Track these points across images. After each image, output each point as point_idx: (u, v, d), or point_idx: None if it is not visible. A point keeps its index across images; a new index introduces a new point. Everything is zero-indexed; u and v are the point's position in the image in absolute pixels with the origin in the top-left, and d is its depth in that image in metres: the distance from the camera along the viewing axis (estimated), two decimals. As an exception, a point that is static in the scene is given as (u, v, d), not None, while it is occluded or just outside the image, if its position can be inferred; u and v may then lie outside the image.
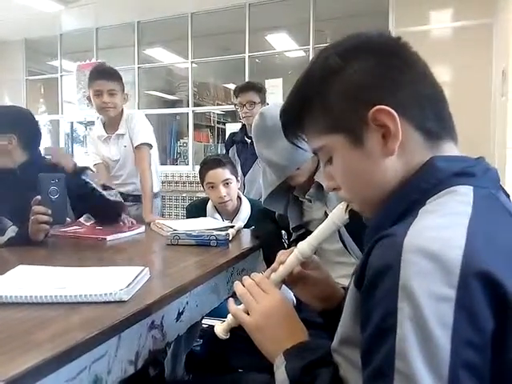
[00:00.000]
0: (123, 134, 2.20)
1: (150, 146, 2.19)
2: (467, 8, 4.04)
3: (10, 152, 1.52)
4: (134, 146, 2.16)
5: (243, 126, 2.59)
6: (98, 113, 2.20)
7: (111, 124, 2.22)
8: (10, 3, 4.81)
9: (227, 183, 1.80)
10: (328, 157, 0.61)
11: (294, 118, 0.63)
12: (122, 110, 2.23)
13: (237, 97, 2.50)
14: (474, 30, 3.99)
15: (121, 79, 2.18)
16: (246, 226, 1.70)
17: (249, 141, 2.48)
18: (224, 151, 2.71)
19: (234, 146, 2.58)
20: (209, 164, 1.85)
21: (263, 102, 2.48)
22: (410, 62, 0.57)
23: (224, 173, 1.80)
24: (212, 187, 1.81)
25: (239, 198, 1.89)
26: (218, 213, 1.87)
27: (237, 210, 1.86)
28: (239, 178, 1.94)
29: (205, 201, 1.93)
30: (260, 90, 2.49)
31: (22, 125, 1.56)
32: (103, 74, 2.13)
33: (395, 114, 0.52)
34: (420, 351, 0.39)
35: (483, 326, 0.40)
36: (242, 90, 2.49)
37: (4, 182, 1.48)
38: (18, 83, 6.40)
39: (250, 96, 2.44)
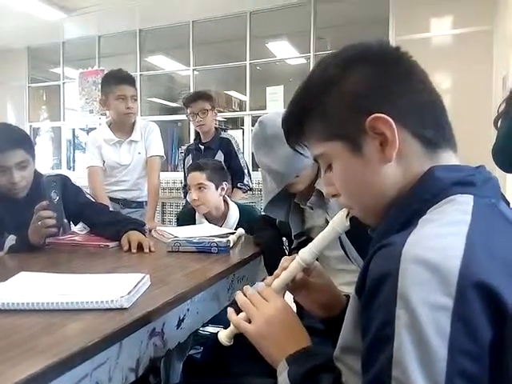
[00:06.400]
0: (137, 141, 2.22)
1: (162, 157, 2.29)
2: (467, 15, 4.07)
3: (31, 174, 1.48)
4: (149, 155, 2.22)
5: (197, 134, 2.64)
6: (118, 117, 2.19)
7: (122, 129, 2.23)
8: (13, 12, 4.86)
9: (200, 188, 1.81)
10: (328, 164, 0.62)
11: (295, 126, 0.64)
12: None
13: (187, 107, 2.53)
14: (474, 37, 4.02)
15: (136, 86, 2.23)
16: None
17: (202, 147, 2.54)
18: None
19: (190, 154, 2.63)
20: (190, 167, 1.92)
21: (214, 108, 2.54)
22: (408, 70, 0.57)
23: (199, 177, 1.82)
24: (189, 189, 1.85)
25: (226, 203, 1.91)
26: (207, 219, 1.89)
27: (224, 216, 1.87)
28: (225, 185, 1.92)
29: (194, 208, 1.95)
30: (209, 98, 2.54)
31: (31, 143, 1.52)
32: (127, 80, 2.15)
33: (392, 121, 0.53)
34: (417, 360, 0.40)
35: (480, 335, 0.40)
36: (191, 99, 2.54)
37: (17, 202, 1.46)
38: (21, 90, 6.44)
39: (201, 104, 2.48)
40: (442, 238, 0.45)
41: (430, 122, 0.56)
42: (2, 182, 1.42)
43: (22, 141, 1.45)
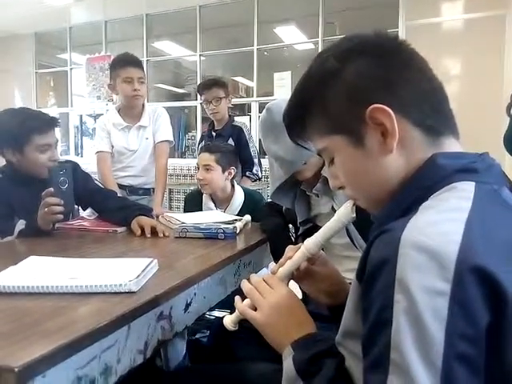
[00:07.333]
0: (146, 127, 2.21)
1: (171, 142, 2.28)
2: (479, -1, 3.98)
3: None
4: (157, 141, 2.21)
5: (211, 122, 2.64)
6: (126, 101, 2.18)
7: (131, 114, 2.21)
8: (19, -3, 4.84)
9: (207, 169, 1.88)
10: (331, 157, 0.62)
11: (297, 121, 0.65)
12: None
13: (201, 94, 2.52)
14: (486, 22, 3.93)
15: (143, 69, 2.22)
16: (238, 214, 1.77)
17: (214, 134, 2.56)
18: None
19: (203, 141, 2.65)
20: (202, 148, 2.01)
21: (227, 96, 2.52)
22: (407, 59, 0.57)
23: (207, 158, 1.89)
24: (198, 169, 1.94)
25: (233, 186, 1.96)
26: (213, 201, 1.95)
27: (229, 199, 1.93)
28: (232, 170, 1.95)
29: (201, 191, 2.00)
30: (223, 85, 2.52)
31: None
32: (133, 62, 2.14)
33: (391, 111, 0.53)
34: (414, 343, 0.40)
35: (477, 319, 0.40)
36: (205, 86, 2.52)
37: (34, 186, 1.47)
38: (28, 76, 6.44)
39: (215, 92, 2.47)
40: (440, 224, 0.45)
41: (430, 110, 0.55)
42: (43, 160, 1.49)
43: (54, 124, 1.54)
